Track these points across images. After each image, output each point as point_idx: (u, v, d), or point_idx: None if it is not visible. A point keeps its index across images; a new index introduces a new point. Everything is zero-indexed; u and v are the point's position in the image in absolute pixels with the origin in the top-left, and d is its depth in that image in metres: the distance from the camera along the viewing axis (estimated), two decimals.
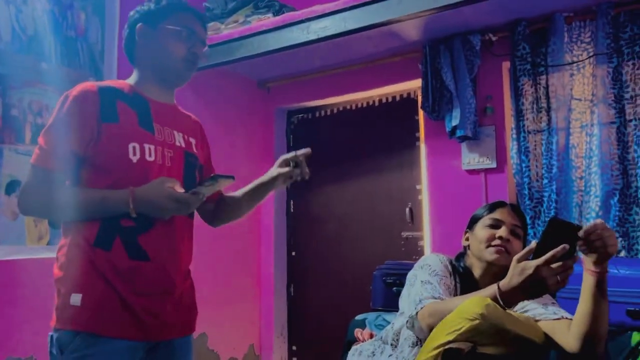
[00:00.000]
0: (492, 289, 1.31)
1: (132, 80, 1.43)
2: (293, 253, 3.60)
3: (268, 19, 2.85)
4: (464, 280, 1.61)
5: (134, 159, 1.29)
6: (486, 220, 1.65)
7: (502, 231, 1.60)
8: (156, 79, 1.42)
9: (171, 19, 1.40)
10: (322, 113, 3.55)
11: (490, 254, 1.58)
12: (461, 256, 1.70)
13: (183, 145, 1.43)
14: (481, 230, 1.63)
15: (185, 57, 1.40)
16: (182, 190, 1.30)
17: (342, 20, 2.55)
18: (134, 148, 1.29)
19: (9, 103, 2.36)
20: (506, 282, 1.27)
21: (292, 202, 3.63)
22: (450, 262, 1.65)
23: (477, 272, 1.62)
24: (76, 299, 1.24)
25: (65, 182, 1.30)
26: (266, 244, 3.56)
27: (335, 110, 3.50)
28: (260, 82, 3.57)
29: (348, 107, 3.44)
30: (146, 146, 1.32)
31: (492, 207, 1.68)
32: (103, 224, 1.27)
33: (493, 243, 1.59)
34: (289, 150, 3.66)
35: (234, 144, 3.41)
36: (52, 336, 1.27)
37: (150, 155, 1.32)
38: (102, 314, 1.24)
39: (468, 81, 2.67)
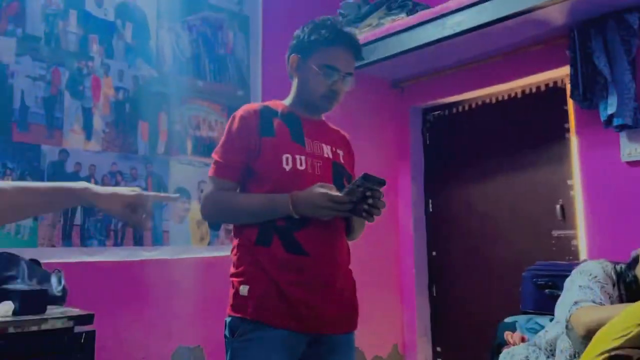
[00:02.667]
0: None
1: (287, 101, 1.59)
2: (434, 253, 3.55)
3: (402, 19, 2.85)
4: (631, 291, 1.47)
5: (287, 168, 1.44)
6: None
7: None
8: (303, 105, 1.56)
9: (318, 53, 1.50)
10: (460, 109, 3.46)
11: None
12: (634, 264, 1.54)
13: (331, 156, 1.54)
14: None
15: (324, 94, 1.51)
16: (337, 192, 1.39)
17: (478, 12, 2.47)
18: (287, 158, 1.44)
19: (173, 119, 2.65)
20: None
21: (430, 201, 3.58)
22: (615, 270, 1.51)
23: None
24: (244, 290, 1.41)
25: (236, 190, 1.49)
26: (405, 243, 3.55)
27: (473, 105, 3.39)
28: (393, 81, 3.58)
29: (488, 101, 3.31)
30: (297, 157, 1.46)
31: None
32: (262, 225, 1.43)
33: None
34: (425, 150, 3.65)
35: (368, 145, 3.46)
36: (226, 321, 1.45)
37: (301, 165, 1.46)
38: (264, 304, 1.39)
39: (626, 64, 2.43)
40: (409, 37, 2.77)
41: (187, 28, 2.75)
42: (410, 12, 2.88)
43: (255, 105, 1.54)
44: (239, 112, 1.51)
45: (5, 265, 1.87)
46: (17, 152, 2.18)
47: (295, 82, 1.58)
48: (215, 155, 1.50)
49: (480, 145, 3.32)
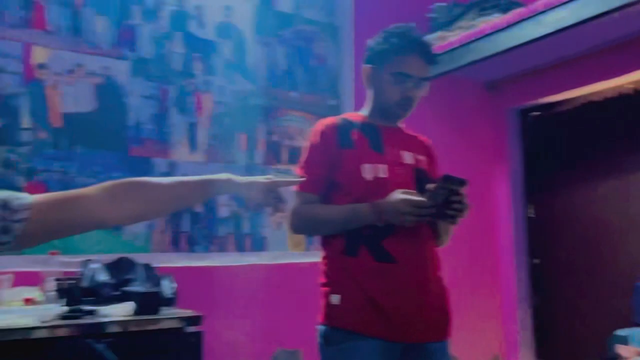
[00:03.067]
0: None
1: (364, 111, 1.62)
2: (536, 260, 3.38)
3: (496, 19, 2.77)
4: None
5: (368, 178, 1.47)
6: None
7: None
8: (380, 113, 1.58)
9: (391, 62, 1.53)
10: (562, 108, 3.28)
11: None
12: None
13: (412, 162, 1.54)
14: None
15: (398, 101, 1.53)
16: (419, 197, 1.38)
17: (581, 7, 2.34)
18: (367, 168, 1.48)
19: (270, 130, 2.77)
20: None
21: (531, 207, 3.42)
22: None
23: None
24: (335, 299, 1.44)
25: (321, 203, 1.53)
26: (504, 251, 3.42)
27: (577, 104, 3.20)
28: (488, 83, 3.47)
29: (594, 99, 3.11)
30: (377, 166, 1.48)
31: None
32: (348, 234, 1.46)
33: None
34: (525, 152, 3.50)
35: (464, 149, 3.39)
36: (319, 329, 1.48)
37: (381, 174, 1.47)
38: (356, 313, 1.40)
39: None
40: (504, 37, 2.68)
41: (281, 42, 2.86)
42: (504, 11, 2.78)
43: (333, 118, 1.58)
44: (318, 127, 1.55)
45: (124, 269, 2.06)
46: (132, 165, 2.38)
47: (370, 92, 1.60)
48: (298, 171, 1.55)
49: (586, 146, 3.12)
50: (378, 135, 1.54)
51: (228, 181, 1.16)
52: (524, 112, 3.48)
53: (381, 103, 1.56)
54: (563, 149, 3.25)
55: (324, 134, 1.53)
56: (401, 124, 1.64)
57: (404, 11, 3.19)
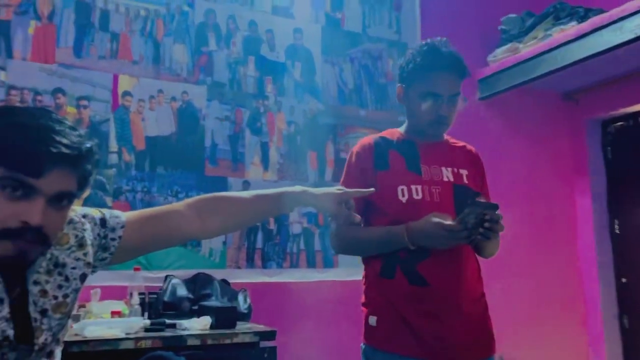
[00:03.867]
0: None
1: (403, 128, 1.60)
2: (623, 280, 3.17)
3: (572, 28, 2.67)
4: None
5: (403, 200, 1.45)
6: None
7: None
8: (416, 131, 1.56)
9: (418, 81, 1.50)
10: None
11: None
12: None
13: (452, 179, 1.51)
14: None
15: (431, 121, 1.50)
16: (451, 221, 1.36)
17: None
18: (402, 190, 1.46)
19: (338, 148, 2.81)
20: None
21: (616, 222, 3.23)
22: None
23: None
24: (372, 320, 1.46)
25: (360, 225, 1.51)
26: (588, 269, 3.24)
27: None
28: (565, 94, 3.34)
29: None
30: (413, 187, 1.46)
31: None
32: (385, 257, 1.46)
33: None
34: (607, 165, 3.32)
35: (542, 162, 3.26)
36: (362, 347, 1.51)
37: (417, 195, 1.46)
38: (391, 334, 1.42)
39: None
40: (581, 45, 2.58)
41: (349, 61, 2.91)
42: (582, 20, 2.68)
43: (370, 138, 1.57)
44: (356, 148, 1.56)
45: (202, 284, 2.15)
46: (209, 184, 2.49)
47: (406, 111, 1.59)
48: None
49: None
50: (415, 152, 1.52)
51: (303, 193, 1.20)
52: (605, 123, 3.30)
53: (414, 122, 1.55)
54: None
55: (359, 155, 1.53)
56: (444, 137, 1.60)
57: (470, 25, 3.16)
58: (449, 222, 1.37)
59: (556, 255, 3.18)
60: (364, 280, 1.55)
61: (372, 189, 1.36)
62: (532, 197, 3.20)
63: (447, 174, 1.52)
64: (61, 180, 0.88)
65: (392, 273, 1.45)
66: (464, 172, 1.55)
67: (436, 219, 1.37)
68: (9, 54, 2.25)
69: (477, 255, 1.54)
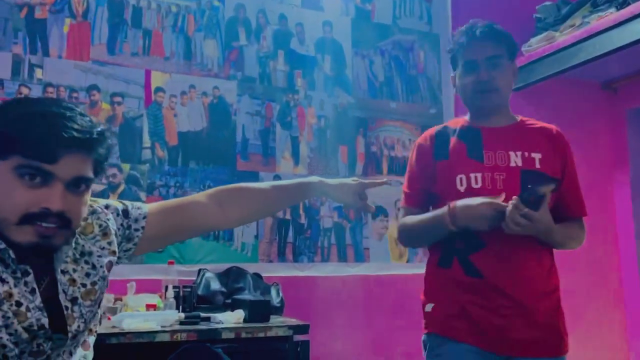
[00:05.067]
0: None
1: (468, 115, 1.57)
2: None
3: (611, 15, 2.58)
4: None
5: (461, 189, 1.43)
6: None
7: None
8: (476, 114, 1.54)
9: (461, 58, 1.52)
10: None
11: None
12: None
13: (519, 164, 1.44)
14: None
15: (473, 89, 1.48)
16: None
17: None
18: (460, 179, 1.44)
19: (369, 142, 2.78)
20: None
21: None
22: None
23: None
24: (429, 307, 1.48)
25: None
26: (628, 264, 3.14)
27: None
28: (604, 83, 3.23)
29: None
30: (472, 175, 1.43)
31: None
32: (444, 247, 1.46)
33: None
34: None
35: (580, 153, 3.11)
36: (422, 339, 1.51)
37: (476, 183, 1.43)
38: (449, 321, 1.42)
39: None
40: (621, 33, 2.48)
41: (380, 53, 2.87)
42: (621, 6, 2.58)
43: (432, 130, 1.57)
44: (418, 140, 1.58)
45: (235, 278, 2.16)
46: (240, 179, 2.50)
47: (461, 96, 1.58)
48: (404, 186, 1.59)
49: None
50: (479, 139, 1.48)
51: (319, 183, 1.24)
52: None
53: (466, 100, 1.54)
54: None
55: (420, 147, 1.55)
56: (517, 119, 1.54)
57: (503, 14, 3.06)
58: (497, 201, 1.35)
59: (595, 249, 3.09)
60: (426, 270, 1.56)
61: (386, 180, 1.40)
62: None
63: (515, 159, 1.45)
64: (76, 164, 0.90)
65: (449, 263, 1.45)
66: (536, 155, 1.46)
67: (483, 199, 1.35)
68: (45, 52, 2.30)
69: (552, 249, 1.48)
